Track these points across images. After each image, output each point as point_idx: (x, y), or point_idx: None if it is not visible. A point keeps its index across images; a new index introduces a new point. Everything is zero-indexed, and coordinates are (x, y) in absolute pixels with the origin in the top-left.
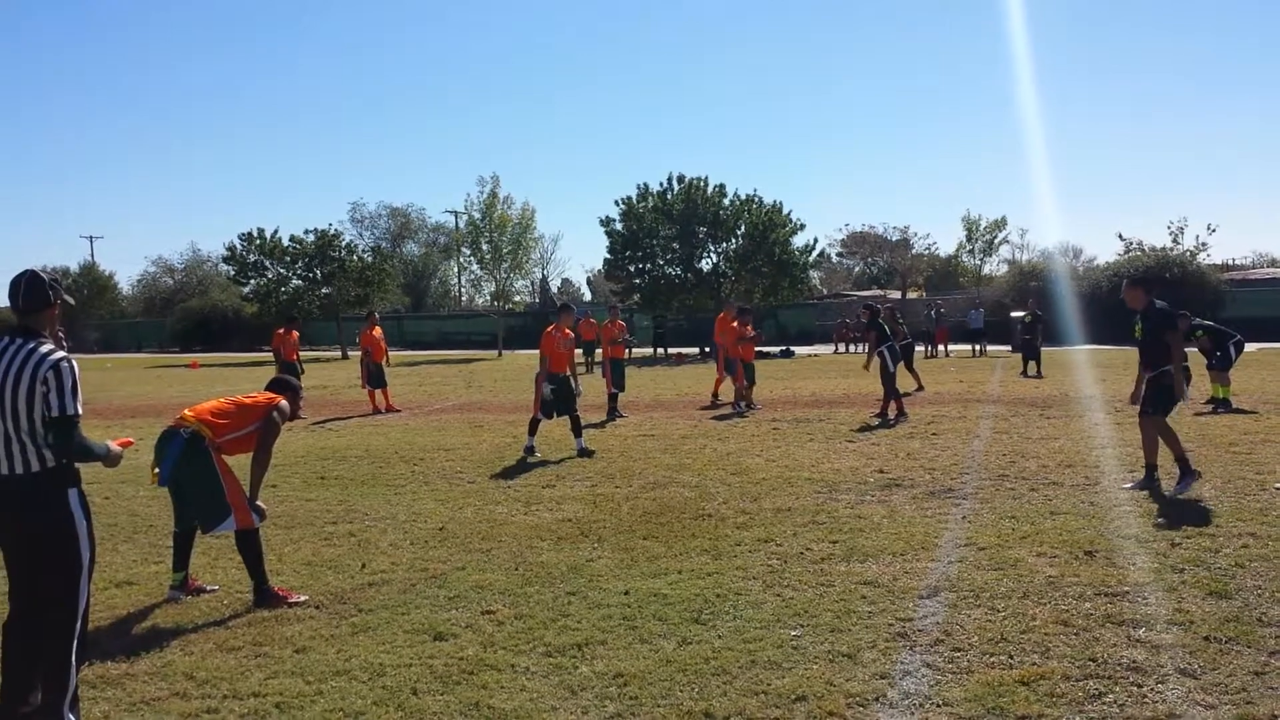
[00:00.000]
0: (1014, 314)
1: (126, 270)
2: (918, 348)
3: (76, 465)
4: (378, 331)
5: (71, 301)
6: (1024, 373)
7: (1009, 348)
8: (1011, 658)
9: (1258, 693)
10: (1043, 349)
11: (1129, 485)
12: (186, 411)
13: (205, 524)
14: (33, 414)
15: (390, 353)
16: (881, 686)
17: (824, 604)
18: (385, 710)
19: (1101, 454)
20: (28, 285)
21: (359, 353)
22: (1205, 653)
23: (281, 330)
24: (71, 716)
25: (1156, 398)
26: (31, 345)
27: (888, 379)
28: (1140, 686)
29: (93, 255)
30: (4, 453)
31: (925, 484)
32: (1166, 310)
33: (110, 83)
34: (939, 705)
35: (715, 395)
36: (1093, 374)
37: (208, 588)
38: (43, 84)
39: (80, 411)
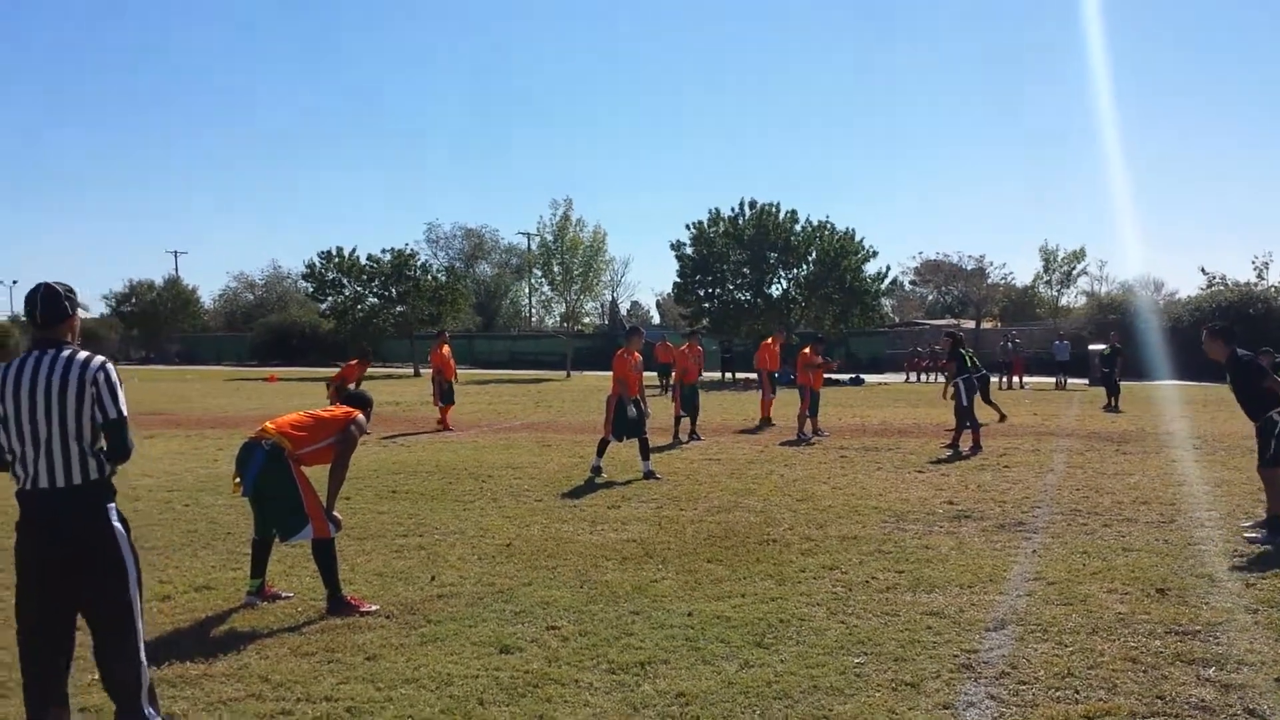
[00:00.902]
0: (1092, 347)
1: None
2: (993, 379)
3: (113, 479)
4: (447, 350)
5: (86, 311)
6: (1107, 406)
7: (1086, 381)
8: (1078, 693)
9: None
10: (1122, 383)
11: (1247, 525)
12: (267, 424)
13: (284, 533)
14: (82, 418)
15: (460, 371)
16: (944, 717)
17: (888, 633)
18: (452, 719)
19: (1178, 491)
20: (44, 298)
21: (429, 370)
22: (1276, 694)
23: (355, 362)
24: (151, 710)
25: (1266, 447)
26: (69, 353)
27: (961, 411)
28: None
29: (177, 269)
30: (51, 464)
31: (995, 517)
32: (1249, 361)
33: (197, 99)
34: None
35: (766, 418)
36: (1172, 410)
37: (283, 594)
38: (132, 98)
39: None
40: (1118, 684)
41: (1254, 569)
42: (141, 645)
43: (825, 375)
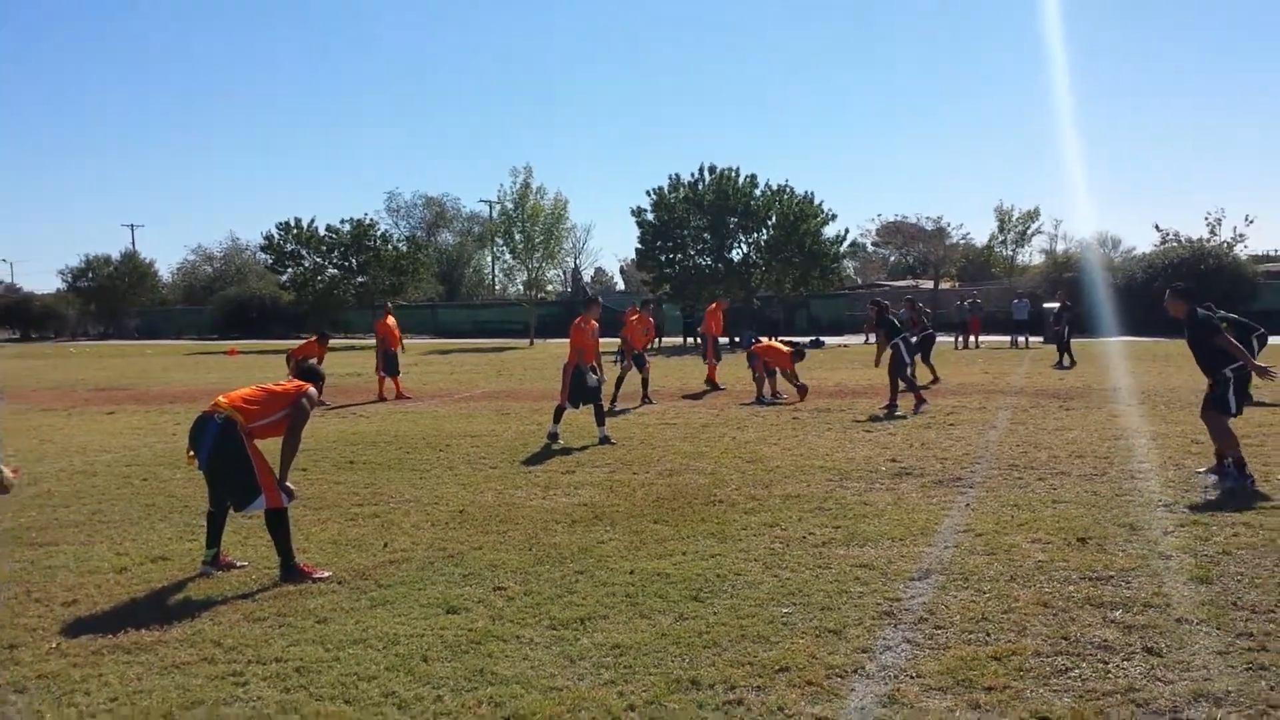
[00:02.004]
0: (1047, 305)
1: (167, 258)
2: (950, 339)
3: None
4: (391, 320)
5: None
6: (1058, 364)
7: (1042, 339)
8: (989, 636)
9: (1217, 670)
10: (1074, 340)
11: (1201, 470)
12: (220, 398)
13: (238, 504)
14: None
15: (422, 341)
16: (861, 660)
17: (818, 584)
18: (396, 675)
19: (1114, 445)
20: None
21: (374, 341)
22: (1175, 633)
23: (314, 340)
24: None
25: (1220, 400)
26: None
27: (900, 370)
28: (1106, 663)
29: (134, 243)
30: None
31: (935, 473)
32: (1206, 319)
33: (151, 72)
34: (912, 677)
35: (711, 382)
36: (1120, 366)
37: (238, 563)
38: (86, 73)
39: None
40: (1027, 627)
41: (1174, 517)
42: None
43: (786, 339)
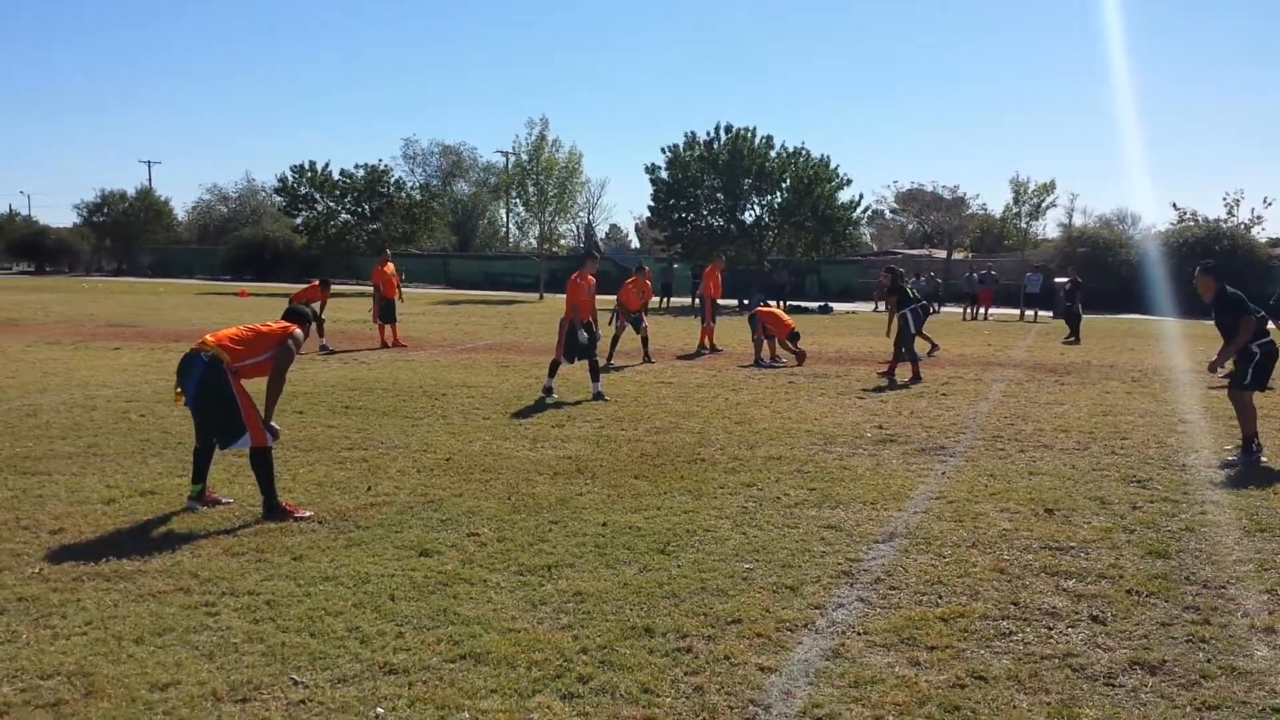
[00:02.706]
0: (1057, 280)
1: (182, 197)
2: (958, 309)
3: None
4: (389, 268)
5: None
6: (1068, 339)
7: (1051, 314)
8: (940, 598)
9: (1157, 640)
10: (1085, 316)
11: (1229, 448)
12: (208, 336)
13: (223, 441)
14: None
15: (433, 291)
16: (813, 616)
17: (783, 543)
18: (363, 611)
19: (1100, 421)
20: None
21: (371, 288)
22: (1122, 604)
23: (316, 284)
24: None
25: (1243, 374)
26: None
27: (907, 340)
28: (1050, 629)
29: (150, 180)
30: None
31: (920, 441)
32: (1237, 298)
33: (173, 8)
34: (859, 634)
35: (705, 345)
36: (1123, 343)
37: (223, 500)
38: (106, 8)
39: None
40: (980, 591)
41: (1146, 492)
42: None
43: (794, 304)
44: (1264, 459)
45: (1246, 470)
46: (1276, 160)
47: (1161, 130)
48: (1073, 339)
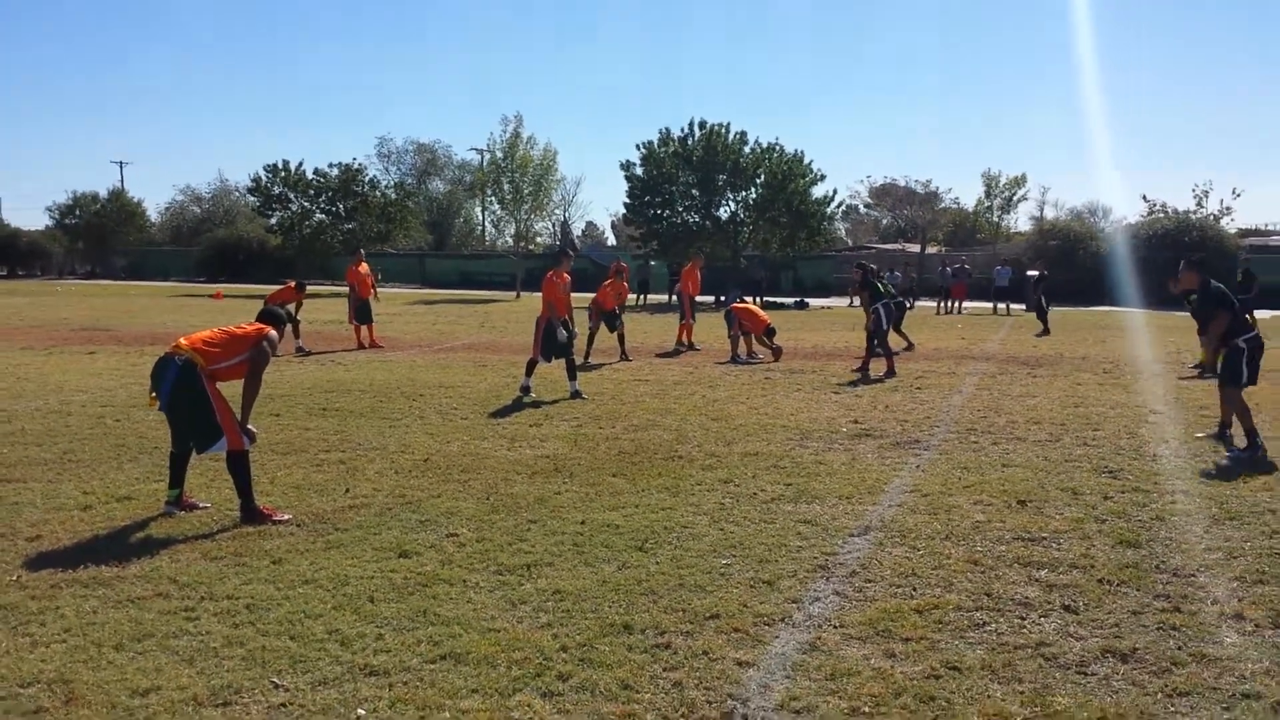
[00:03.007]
0: (1028, 272)
1: (155, 198)
2: (931, 304)
3: None
4: (364, 268)
5: None
6: (1041, 333)
7: (1024, 306)
8: (915, 590)
9: (1129, 628)
10: (1056, 308)
11: (1200, 435)
12: (181, 340)
13: (199, 445)
14: None
15: (409, 291)
16: (789, 609)
17: (760, 538)
18: (342, 614)
19: (1073, 413)
20: None
21: (346, 289)
22: (1093, 593)
23: (291, 286)
24: None
25: (1232, 370)
26: None
27: (880, 334)
28: (1023, 619)
29: (122, 181)
30: None
31: (894, 435)
32: (1220, 292)
33: (144, 9)
34: (835, 626)
35: (683, 342)
36: (1095, 335)
37: (200, 504)
38: (76, 8)
39: None
40: (954, 582)
41: (1117, 482)
42: None
43: (769, 300)
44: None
45: (1234, 463)
46: (1244, 151)
47: (1131, 123)
48: (1044, 332)
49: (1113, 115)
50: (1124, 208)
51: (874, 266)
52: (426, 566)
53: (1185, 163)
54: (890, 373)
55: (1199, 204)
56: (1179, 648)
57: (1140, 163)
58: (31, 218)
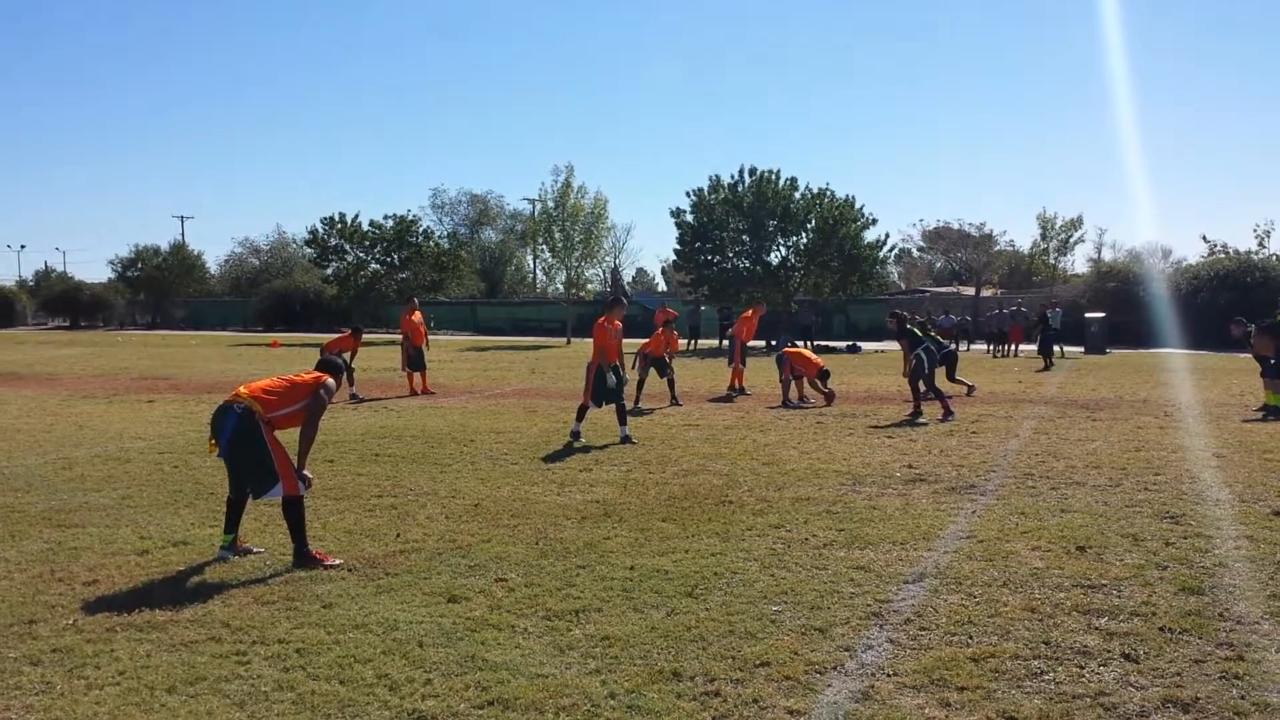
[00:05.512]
0: (1088, 315)
1: (214, 250)
2: (988, 348)
3: None
4: (417, 316)
5: None
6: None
7: (1082, 349)
8: (971, 638)
9: (1190, 677)
10: (1117, 351)
11: None
12: (241, 388)
13: (256, 491)
14: None
15: (461, 338)
16: (842, 658)
17: (812, 584)
18: (392, 659)
19: (1133, 457)
20: None
21: (399, 336)
22: (1154, 641)
23: (348, 335)
24: None
25: None
26: None
27: (923, 378)
28: (1082, 668)
29: (183, 235)
30: None
31: (950, 480)
32: None
33: (203, 63)
34: (889, 675)
35: (735, 387)
36: (1155, 378)
37: (254, 550)
38: (136, 63)
39: None
40: (1011, 630)
41: (1179, 528)
42: None
43: (821, 344)
44: None
45: None
46: None
47: (1192, 162)
48: (1045, 368)
49: (1173, 153)
50: (1183, 248)
51: (906, 314)
52: (475, 611)
53: (1247, 201)
54: (947, 414)
55: (1261, 244)
56: (1242, 697)
57: (1199, 202)
58: (94, 270)
